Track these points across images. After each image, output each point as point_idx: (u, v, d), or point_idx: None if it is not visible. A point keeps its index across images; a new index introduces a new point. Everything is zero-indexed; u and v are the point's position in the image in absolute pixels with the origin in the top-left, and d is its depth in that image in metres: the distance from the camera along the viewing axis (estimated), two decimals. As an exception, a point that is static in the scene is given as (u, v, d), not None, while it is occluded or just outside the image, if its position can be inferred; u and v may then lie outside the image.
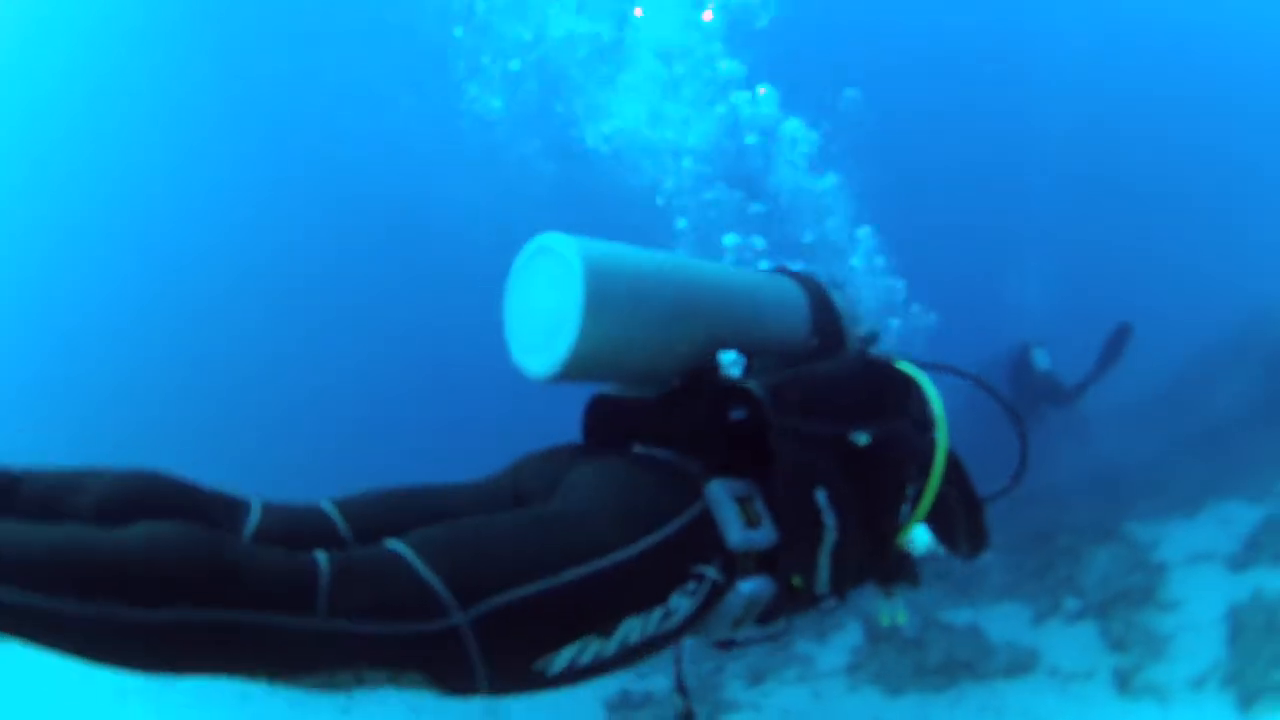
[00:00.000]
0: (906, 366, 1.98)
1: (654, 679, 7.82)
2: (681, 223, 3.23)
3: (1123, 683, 6.07)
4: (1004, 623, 7.61)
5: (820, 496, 1.63)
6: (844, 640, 8.01)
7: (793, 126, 3.66)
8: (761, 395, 1.65)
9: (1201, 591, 6.55)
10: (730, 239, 2.88)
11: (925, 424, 1.88)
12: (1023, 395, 7.89)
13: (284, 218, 21.90)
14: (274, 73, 20.52)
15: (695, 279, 1.78)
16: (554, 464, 1.72)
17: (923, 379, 1.94)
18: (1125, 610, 6.84)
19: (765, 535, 1.62)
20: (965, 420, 2.07)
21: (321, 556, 1.28)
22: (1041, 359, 7.63)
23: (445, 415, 20.75)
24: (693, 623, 1.56)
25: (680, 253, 2.37)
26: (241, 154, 22.07)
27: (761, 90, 3.70)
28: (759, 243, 2.87)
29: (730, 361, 1.75)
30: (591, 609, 1.41)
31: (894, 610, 1.88)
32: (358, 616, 1.22)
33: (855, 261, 3.22)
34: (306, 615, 1.19)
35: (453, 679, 1.32)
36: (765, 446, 1.64)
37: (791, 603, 1.70)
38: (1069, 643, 6.92)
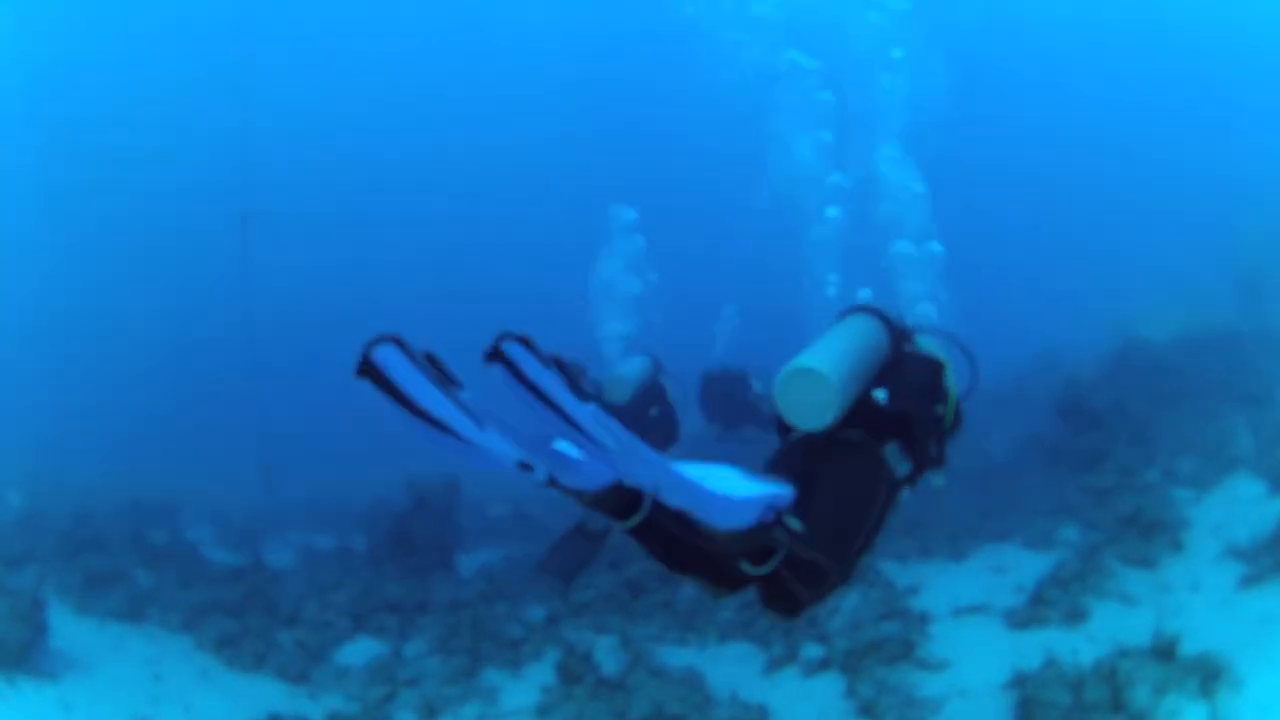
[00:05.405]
0: (929, 346, 3.55)
1: (320, 700, 5.97)
2: None
3: (874, 758, 4.60)
4: (729, 668, 6.24)
5: (930, 445, 3.28)
6: (536, 674, 6.18)
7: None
8: (915, 414, 3.25)
9: (974, 650, 5.30)
10: None
11: (940, 371, 3.50)
12: (732, 413, 8.68)
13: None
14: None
15: (861, 356, 3.12)
16: (805, 453, 3.13)
17: (943, 356, 3.54)
18: (878, 665, 5.49)
19: (907, 468, 3.25)
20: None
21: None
22: (758, 386, 8.83)
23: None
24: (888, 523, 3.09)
25: (845, 328, 3.41)
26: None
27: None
28: None
29: (884, 398, 3.18)
30: (874, 532, 2.96)
31: (939, 478, 3.33)
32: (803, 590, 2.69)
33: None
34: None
35: (830, 597, 2.88)
36: (903, 427, 3.24)
37: (911, 492, 3.32)
38: (807, 700, 5.57)
